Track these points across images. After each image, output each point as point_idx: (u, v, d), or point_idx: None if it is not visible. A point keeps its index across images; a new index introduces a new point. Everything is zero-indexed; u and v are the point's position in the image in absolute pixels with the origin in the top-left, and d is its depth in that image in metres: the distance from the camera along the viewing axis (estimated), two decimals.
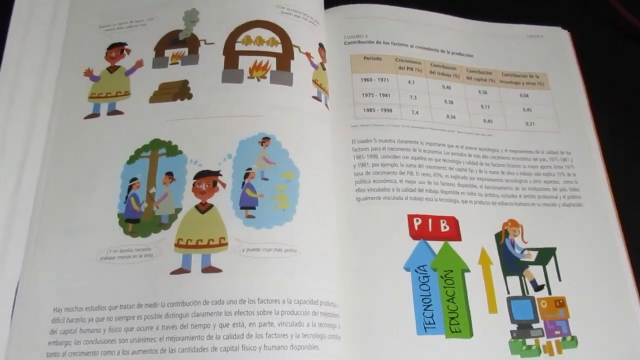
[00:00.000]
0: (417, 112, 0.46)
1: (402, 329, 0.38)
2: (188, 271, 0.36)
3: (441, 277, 0.40)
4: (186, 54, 0.43)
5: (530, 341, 0.40)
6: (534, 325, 0.40)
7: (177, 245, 0.37)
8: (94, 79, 0.43)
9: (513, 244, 0.43)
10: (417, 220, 0.42)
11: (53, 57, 0.44)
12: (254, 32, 0.44)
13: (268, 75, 0.42)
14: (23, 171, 0.40)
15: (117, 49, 0.44)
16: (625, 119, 0.50)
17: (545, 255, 0.43)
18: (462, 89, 0.48)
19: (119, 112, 0.42)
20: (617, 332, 0.41)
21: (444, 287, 0.40)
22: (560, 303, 0.41)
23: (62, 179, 0.40)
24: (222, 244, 0.37)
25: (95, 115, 0.42)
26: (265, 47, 0.43)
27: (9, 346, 0.35)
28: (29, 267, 0.37)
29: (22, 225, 0.39)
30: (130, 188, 0.39)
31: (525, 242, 0.43)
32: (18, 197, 0.40)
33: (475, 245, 0.42)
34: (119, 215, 0.38)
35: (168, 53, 0.43)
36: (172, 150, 0.40)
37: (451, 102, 0.47)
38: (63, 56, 0.44)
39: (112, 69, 0.44)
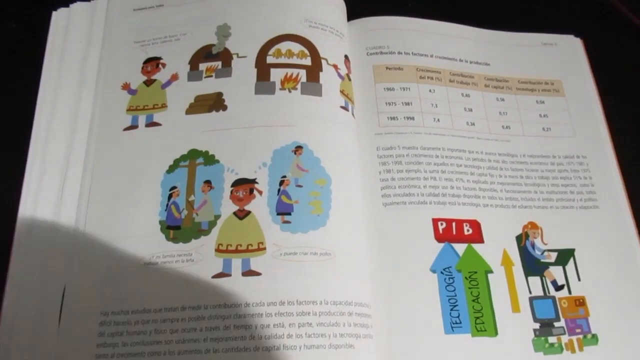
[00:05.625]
0: (438, 120, 0.47)
1: (430, 328, 0.39)
2: (229, 275, 0.38)
3: (466, 278, 0.42)
4: (220, 67, 0.45)
5: (552, 339, 0.41)
6: (556, 324, 0.42)
7: (218, 250, 0.39)
8: (132, 92, 0.45)
9: (533, 246, 0.44)
10: (442, 224, 0.43)
11: (90, 72, 0.46)
12: (284, 46, 0.45)
13: (299, 86, 0.44)
14: (65, 182, 0.42)
15: (152, 63, 0.46)
16: (638, 122, 0.52)
17: (565, 256, 0.44)
18: (481, 97, 0.50)
19: (157, 124, 0.44)
20: (635, 328, 0.42)
21: (469, 288, 0.41)
22: (580, 302, 0.43)
23: (104, 188, 0.41)
24: (261, 248, 0.38)
25: (134, 127, 0.44)
26: (295, 60, 0.45)
27: (58, 350, 0.37)
28: (75, 273, 0.39)
29: (66, 235, 0.40)
30: (170, 196, 0.41)
31: (545, 244, 0.44)
32: (61, 209, 0.41)
33: (497, 247, 0.43)
34: (161, 222, 0.40)
35: (202, 66, 0.45)
36: (210, 159, 0.42)
37: (470, 110, 0.49)
38: (100, 71, 0.46)
39: (148, 82, 0.45)
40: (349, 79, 0.47)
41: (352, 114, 0.45)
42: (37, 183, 0.42)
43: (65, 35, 0.47)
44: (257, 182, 0.41)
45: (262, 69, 0.45)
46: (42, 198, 0.41)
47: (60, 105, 0.45)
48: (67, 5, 0.49)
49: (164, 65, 0.46)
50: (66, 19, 0.48)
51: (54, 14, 0.48)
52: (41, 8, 0.49)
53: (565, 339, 0.41)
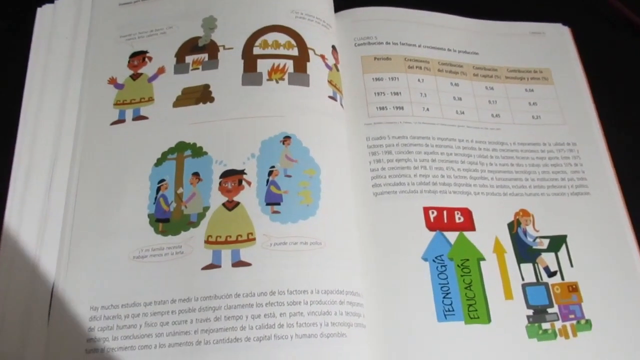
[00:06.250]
0: (427, 109, 0.47)
1: (423, 316, 0.39)
2: (219, 266, 0.38)
3: (458, 266, 0.42)
4: (206, 59, 0.45)
5: (546, 325, 0.41)
6: (549, 310, 0.42)
7: (207, 242, 0.39)
8: (118, 86, 0.45)
9: (525, 233, 0.44)
10: (433, 213, 0.43)
11: (76, 68, 0.46)
12: (271, 37, 0.45)
13: (286, 77, 0.44)
14: (53, 177, 0.42)
15: (139, 57, 0.46)
16: (627, 109, 0.52)
17: (557, 242, 0.44)
18: (470, 86, 0.50)
19: (144, 118, 0.43)
20: (628, 314, 0.42)
21: (461, 276, 0.41)
22: (573, 288, 0.43)
23: (92, 183, 0.41)
24: (250, 239, 0.38)
25: (121, 121, 0.44)
26: (282, 51, 0.45)
27: (48, 345, 0.36)
28: (64, 268, 0.39)
29: (55, 230, 0.40)
30: (159, 189, 0.41)
31: (537, 231, 0.44)
32: (49, 204, 0.41)
33: (489, 235, 0.43)
34: (150, 215, 0.40)
35: (189, 59, 0.45)
36: (198, 151, 0.41)
37: (460, 99, 0.49)
38: (87, 66, 0.46)
39: (135, 77, 0.45)
40: (337, 70, 0.47)
41: (341, 104, 0.45)
42: (24, 178, 0.42)
43: (51, 31, 0.47)
44: (245, 173, 0.40)
45: (249, 61, 0.45)
46: (30, 193, 0.41)
47: (47, 101, 0.44)
48: (52, 2, 0.48)
49: (150, 59, 0.46)
50: (51, 15, 0.48)
51: (39, 10, 0.48)
52: (26, 4, 0.48)
53: (558, 325, 0.41)
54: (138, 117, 0.43)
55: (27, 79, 0.45)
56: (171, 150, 0.42)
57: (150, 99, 0.44)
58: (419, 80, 0.49)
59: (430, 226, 0.42)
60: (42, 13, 0.48)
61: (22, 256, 0.39)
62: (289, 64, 0.44)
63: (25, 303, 0.38)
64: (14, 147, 0.43)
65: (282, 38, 0.45)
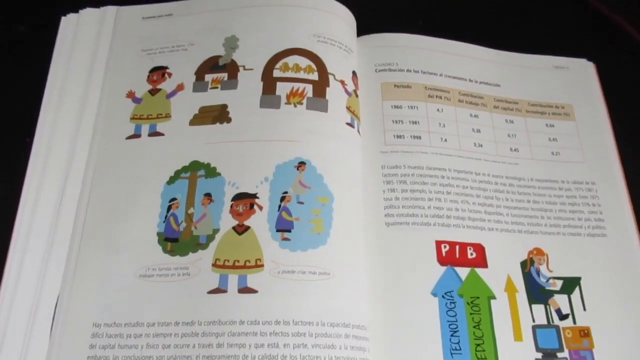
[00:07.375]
0: (445, 140, 0.47)
1: (429, 353, 0.38)
2: (225, 291, 0.37)
3: (467, 303, 0.41)
4: (226, 78, 0.45)
5: None
6: (559, 354, 0.41)
7: (215, 265, 0.38)
8: (136, 100, 0.45)
9: (538, 273, 0.43)
10: (445, 247, 0.42)
11: (96, 79, 0.46)
12: (292, 60, 0.45)
13: (304, 101, 0.43)
14: (65, 188, 0.42)
15: (158, 72, 0.46)
16: None
17: (570, 284, 0.43)
18: (489, 118, 0.49)
19: (160, 134, 0.43)
20: None
21: (471, 314, 0.40)
22: (585, 333, 0.42)
23: (103, 197, 0.41)
24: (259, 265, 0.38)
25: (136, 136, 0.43)
26: (302, 75, 0.45)
27: (48, 359, 0.36)
28: (69, 283, 0.38)
29: (63, 242, 0.40)
30: (169, 208, 0.40)
31: (551, 271, 0.43)
32: (60, 215, 0.41)
33: (501, 273, 0.42)
34: (159, 234, 0.40)
35: (208, 77, 0.45)
36: (211, 172, 0.41)
37: (478, 131, 0.48)
38: (106, 78, 0.46)
39: (153, 92, 0.45)
40: (356, 96, 0.46)
41: (358, 131, 0.45)
42: (36, 188, 0.41)
43: (73, 40, 0.47)
44: (257, 197, 0.40)
45: (268, 83, 0.44)
46: (41, 204, 0.41)
47: (65, 110, 0.44)
48: (76, 11, 0.49)
49: (169, 74, 0.46)
50: (75, 25, 0.48)
51: (63, 19, 0.48)
52: (51, 12, 0.49)
53: None
54: (154, 133, 0.43)
55: (47, 86, 0.45)
56: (185, 169, 0.42)
57: (167, 116, 0.44)
58: (438, 109, 0.48)
59: (442, 260, 0.42)
60: (66, 22, 0.48)
61: (28, 267, 0.39)
62: (308, 89, 0.44)
63: (28, 315, 0.37)
64: (30, 155, 0.43)
65: (303, 62, 0.45)
